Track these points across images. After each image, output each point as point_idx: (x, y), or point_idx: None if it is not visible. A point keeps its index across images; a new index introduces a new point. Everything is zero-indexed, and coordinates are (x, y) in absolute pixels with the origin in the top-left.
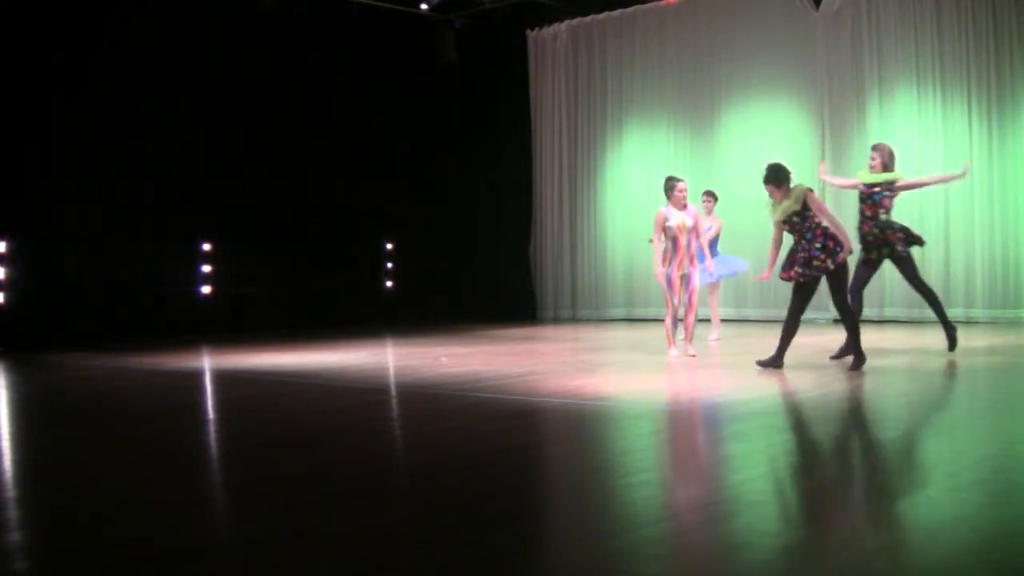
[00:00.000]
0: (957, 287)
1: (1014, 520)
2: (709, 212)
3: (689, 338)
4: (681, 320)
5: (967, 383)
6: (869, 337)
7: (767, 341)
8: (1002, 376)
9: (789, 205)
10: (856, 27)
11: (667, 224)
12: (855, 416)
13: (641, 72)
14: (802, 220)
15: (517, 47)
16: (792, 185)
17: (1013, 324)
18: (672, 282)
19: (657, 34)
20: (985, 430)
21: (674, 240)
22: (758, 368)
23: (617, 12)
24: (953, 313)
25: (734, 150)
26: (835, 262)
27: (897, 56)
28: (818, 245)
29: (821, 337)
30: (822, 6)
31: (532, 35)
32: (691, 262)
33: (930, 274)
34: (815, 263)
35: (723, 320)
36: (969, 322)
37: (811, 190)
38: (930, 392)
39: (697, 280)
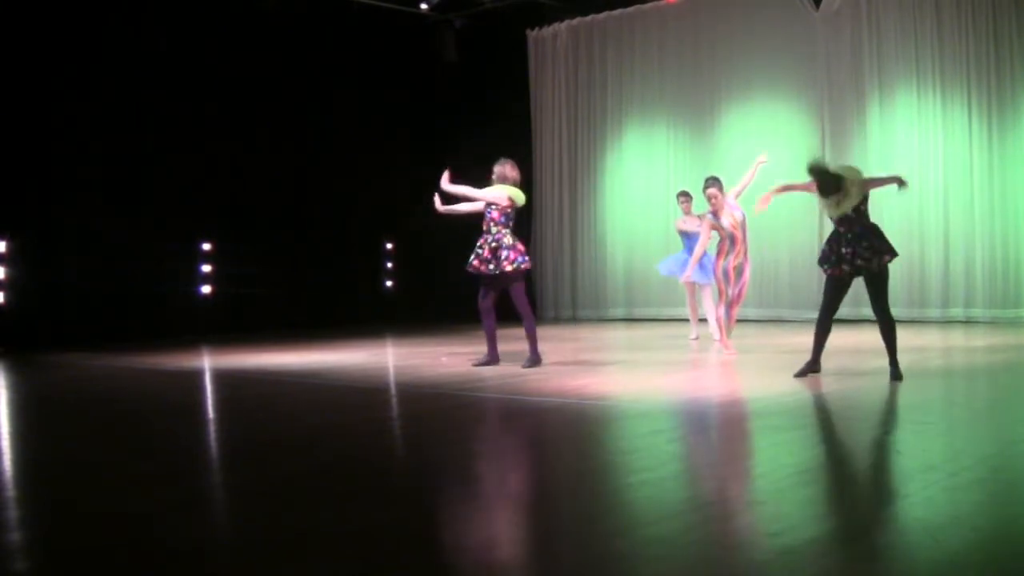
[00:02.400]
0: (957, 287)
1: (1014, 519)
2: (687, 212)
3: (728, 330)
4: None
5: (967, 383)
6: (870, 337)
7: (767, 341)
8: (1002, 376)
9: (852, 200)
10: (856, 27)
11: (721, 225)
12: (855, 416)
13: (641, 72)
14: (857, 214)
15: (517, 47)
16: (849, 182)
17: (1013, 324)
18: (728, 274)
19: (657, 34)
20: (985, 430)
21: (732, 237)
22: (896, 382)
23: (617, 12)
24: (953, 313)
25: (734, 150)
26: (880, 263)
27: (897, 57)
28: (865, 244)
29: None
30: (822, 6)
31: (532, 35)
32: (745, 256)
33: (930, 274)
34: (859, 262)
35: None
36: (969, 322)
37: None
38: (929, 392)
39: (748, 274)
